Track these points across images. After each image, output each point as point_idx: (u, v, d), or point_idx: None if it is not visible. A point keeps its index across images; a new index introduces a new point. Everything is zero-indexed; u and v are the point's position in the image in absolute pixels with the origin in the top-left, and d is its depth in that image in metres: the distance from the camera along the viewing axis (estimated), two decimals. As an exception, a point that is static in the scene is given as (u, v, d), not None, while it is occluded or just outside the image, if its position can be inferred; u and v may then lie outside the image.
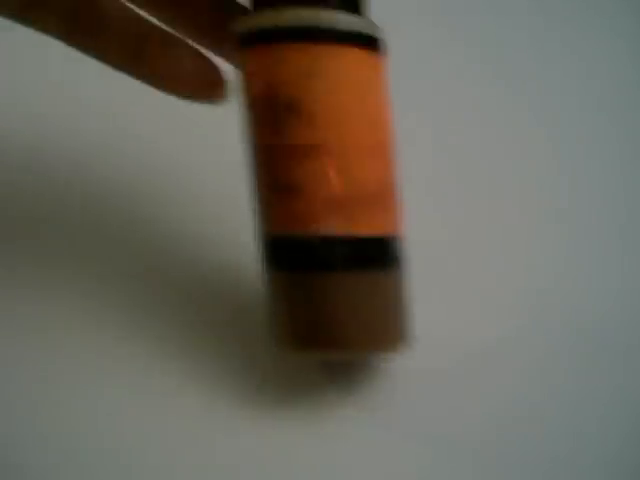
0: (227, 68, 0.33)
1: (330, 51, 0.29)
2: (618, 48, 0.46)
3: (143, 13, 0.32)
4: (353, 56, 0.29)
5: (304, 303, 0.30)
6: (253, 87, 0.29)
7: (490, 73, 0.45)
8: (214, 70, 0.32)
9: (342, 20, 0.29)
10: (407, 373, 0.34)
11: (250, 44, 0.29)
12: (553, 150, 0.42)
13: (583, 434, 0.32)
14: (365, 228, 0.30)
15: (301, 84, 0.29)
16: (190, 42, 0.32)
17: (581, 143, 0.43)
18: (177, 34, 0.32)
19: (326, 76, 0.29)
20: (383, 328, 0.31)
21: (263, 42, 0.29)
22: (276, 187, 0.29)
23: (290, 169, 0.29)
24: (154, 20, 0.32)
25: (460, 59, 0.46)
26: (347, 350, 0.31)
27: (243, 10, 0.31)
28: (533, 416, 0.33)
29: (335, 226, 0.30)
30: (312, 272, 0.30)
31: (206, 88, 0.32)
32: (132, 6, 0.32)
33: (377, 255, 0.30)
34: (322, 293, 0.30)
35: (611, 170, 0.41)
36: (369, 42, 0.30)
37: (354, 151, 0.30)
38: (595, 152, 0.42)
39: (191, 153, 0.42)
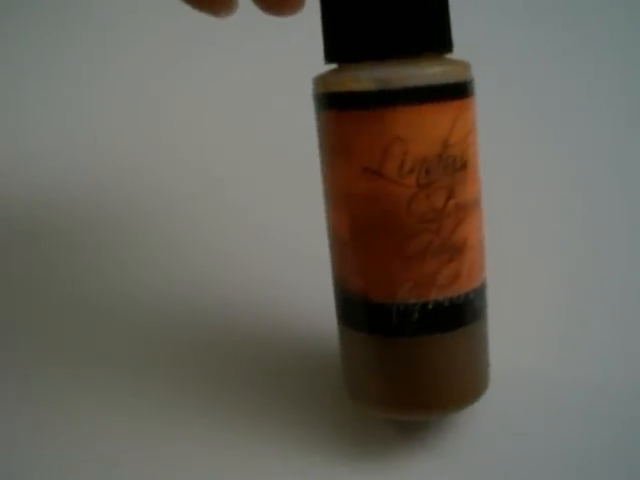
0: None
1: (470, 103, 0.29)
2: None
3: None
4: (473, 104, 0.29)
5: (402, 367, 0.29)
6: (416, 147, 0.28)
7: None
8: None
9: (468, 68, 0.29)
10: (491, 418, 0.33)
11: (389, 103, 0.27)
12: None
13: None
14: (484, 273, 0.31)
15: (467, 140, 0.29)
16: None
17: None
18: None
19: (475, 129, 0.29)
20: (471, 383, 0.30)
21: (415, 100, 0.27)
22: (441, 248, 0.28)
23: (460, 227, 0.29)
24: None
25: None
26: (439, 412, 0.30)
27: None
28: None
29: (481, 275, 0.30)
30: (427, 334, 0.29)
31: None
32: None
33: (477, 307, 0.30)
34: (428, 356, 0.29)
35: None
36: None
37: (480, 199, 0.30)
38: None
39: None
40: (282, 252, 0.42)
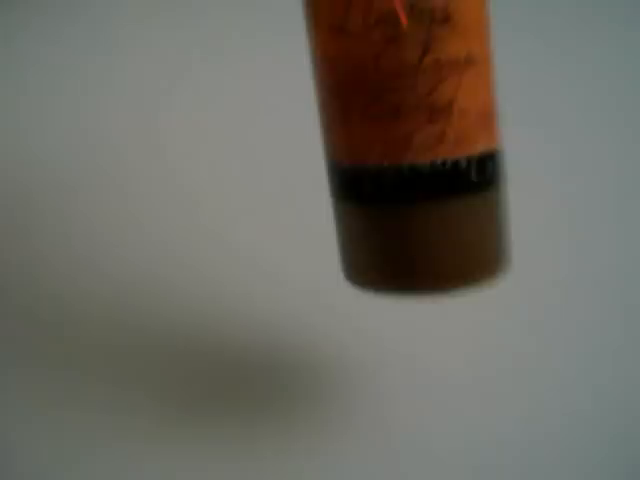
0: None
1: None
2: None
3: None
4: None
5: (398, 237, 0.26)
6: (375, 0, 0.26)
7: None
8: None
9: None
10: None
11: None
12: None
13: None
14: (489, 143, 0.27)
15: None
16: None
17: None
18: None
19: None
20: (483, 256, 0.27)
21: None
22: (417, 107, 0.26)
23: (442, 86, 0.26)
24: None
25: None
26: (442, 287, 0.27)
27: None
28: None
29: (480, 144, 0.27)
30: (418, 201, 0.26)
31: None
32: None
33: (472, 178, 0.27)
34: (426, 224, 0.26)
35: None
36: None
37: (490, 62, 0.27)
38: None
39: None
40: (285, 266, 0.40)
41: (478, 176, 0.27)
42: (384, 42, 0.25)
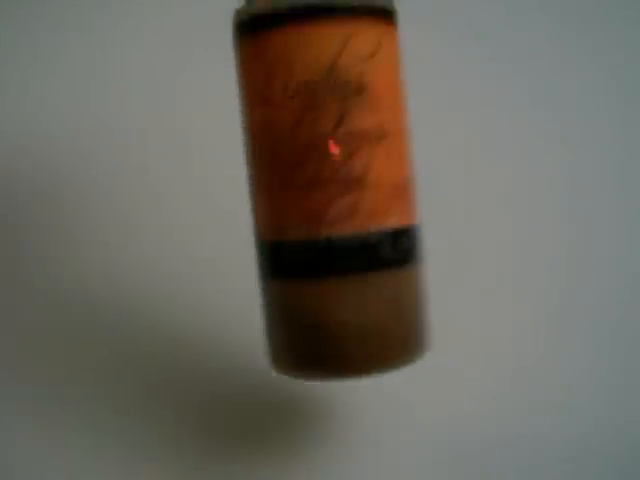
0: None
1: (387, 29, 0.26)
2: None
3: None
4: (392, 32, 0.26)
5: (314, 315, 0.26)
6: (300, 69, 0.25)
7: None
8: None
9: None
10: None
11: (274, 25, 0.25)
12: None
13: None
14: (403, 218, 0.26)
15: (366, 64, 0.26)
16: None
17: None
18: None
19: (386, 54, 0.26)
20: (405, 337, 0.26)
21: (298, 20, 0.25)
22: (332, 178, 0.25)
23: (356, 157, 0.25)
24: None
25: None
26: (364, 370, 0.26)
27: None
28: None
29: (393, 218, 0.26)
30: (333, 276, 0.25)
31: None
32: None
33: (402, 249, 0.26)
34: (344, 300, 0.25)
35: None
36: (394, 16, 0.27)
37: (404, 134, 0.26)
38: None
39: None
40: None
41: (391, 252, 0.26)
42: (302, 111, 0.25)
